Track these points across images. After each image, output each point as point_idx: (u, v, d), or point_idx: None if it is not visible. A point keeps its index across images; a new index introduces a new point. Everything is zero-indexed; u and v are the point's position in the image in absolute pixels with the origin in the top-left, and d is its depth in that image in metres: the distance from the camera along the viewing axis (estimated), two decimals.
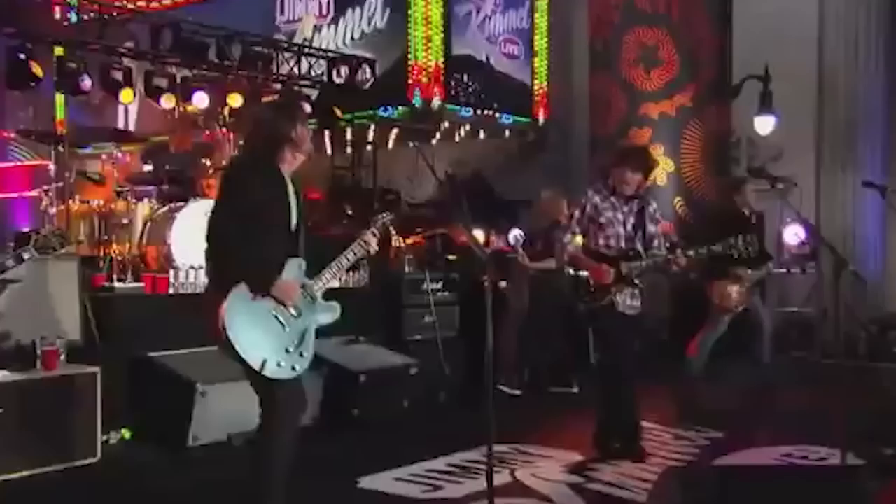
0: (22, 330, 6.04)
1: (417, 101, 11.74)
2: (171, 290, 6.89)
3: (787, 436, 6.54)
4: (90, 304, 6.43)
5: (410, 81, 11.68)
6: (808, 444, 6.29)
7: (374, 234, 4.54)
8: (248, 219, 4.11)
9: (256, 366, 4.06)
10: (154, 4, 14.26)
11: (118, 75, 10.03)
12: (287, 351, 4.17)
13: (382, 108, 12.02)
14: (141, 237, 7.46)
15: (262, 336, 4.10)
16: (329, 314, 4.43)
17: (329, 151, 12.17)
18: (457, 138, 12.99)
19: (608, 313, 5.92)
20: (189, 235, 7.15)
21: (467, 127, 12.82)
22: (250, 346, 4.06)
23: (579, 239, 6.12)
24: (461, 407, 7.43)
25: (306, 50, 11.86)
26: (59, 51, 9.98)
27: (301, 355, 4.23)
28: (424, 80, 11.73)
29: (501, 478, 5.68)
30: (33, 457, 5.65)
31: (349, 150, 12.52)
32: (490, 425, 4.26)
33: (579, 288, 5.98)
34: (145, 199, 7.70)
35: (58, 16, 12.86)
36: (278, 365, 4.12)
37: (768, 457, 6.11)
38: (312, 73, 11.65)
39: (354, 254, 4.51)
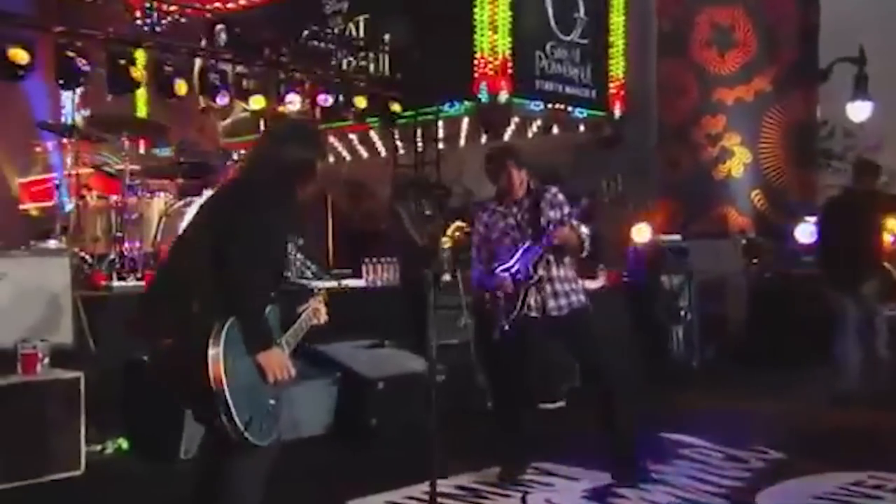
0: (7, 331, 5.50)
1: (484, 96, 10.95)
2: None
3: (862, 458, 5.48)
4: (83, 304, 5.86)
5: (476, 75, 10.90)
6: (886, 471, 5.21)
7: (322, 302, 3.91)
8: (269, 257, 3.46)
9: (242, 424, 3.25)
10: (231, 5, 13.94)
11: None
12: (267, 413, 3.42)
13: (448, 104, 11.29)
14: (156, 234, 6.88)
15: (248, 391, 3.32)
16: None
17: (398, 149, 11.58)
18: (529, 134, 12.17)
19: (523, 322, 5.10)
20: None
21: (538, 122, 11.97)
22: (239, 400, 3.26)
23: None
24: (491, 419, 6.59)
25: (357, 43, 11.28)
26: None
27: (276, 420, 3.48)
28: (491, 72, 10.93)
29: (511, 503, 4.88)
30: (8, 469, 5.08)
31: (420, 146, 11.83)
32: (433, 453, 3.45)
33: (496, 310, 5.16)
34: (161, 194, 7.12)
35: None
36: (261, 428, 3.35)
37: (832, 485, 5.06)
38: (371, 69, 11.08)
39: (305, 324, 3.80)
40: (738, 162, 10.16)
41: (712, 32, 10.27)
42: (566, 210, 5.17)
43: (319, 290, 4.05)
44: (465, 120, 11.72)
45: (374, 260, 7.12)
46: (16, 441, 5.14)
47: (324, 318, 3.91)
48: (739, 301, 9.13)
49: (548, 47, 11.41)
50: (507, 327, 5.10)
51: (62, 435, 5.32)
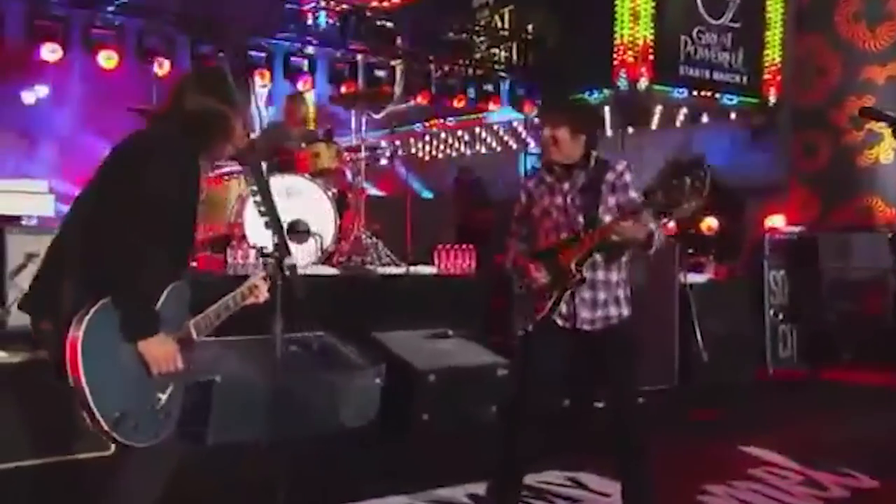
0: None
1: (623, 83, 10.08)
2: (230, 272, 5.88)
3: None
4: None
5: (616, 61, 10.04)
6: None
7: (265, 280, 3.17)
8: (162, 228, 2.84)
9: (107, 423, 2.71)
10: (386, 4, 13.69)
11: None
12: (152, 409, 2.85)
13: (588, 92, 10.48)
14: (230, 215, 6.55)
15: (122, 384, 2.78)
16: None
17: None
18: (677, 123, 11.14)
19: (543, 334, 3.82)
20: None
21: (685, 110, 10.92)
22: (104, 394, 2.72)
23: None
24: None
25: (502, 34, 10.72)
26: None
27: (168, 415, 2.89)
28: (630, 59, 10.04)
29: None
30: (36, 444, 4.83)
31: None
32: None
33: (518, 302, 3.97)
34: (240, 177, 6.75)
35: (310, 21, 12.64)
36: (135, 428, 2.79)
37: None
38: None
39: (236, 301, 3.10)
40: (887, 147, 8.74)
41: (861, 4, 8.89)
42: (631, 194, 3.84)
43: (265, 265, 3.36)
44: (606, 109, 10.91)
45: (448, 246, 6.43)
46: (43, 417, 4.85)
47: (263, 296, 3.24)
48: (883, 301, 7.74)
49: (695, 32, 10.43)
50: (528, 329, 3.91)
51: None
